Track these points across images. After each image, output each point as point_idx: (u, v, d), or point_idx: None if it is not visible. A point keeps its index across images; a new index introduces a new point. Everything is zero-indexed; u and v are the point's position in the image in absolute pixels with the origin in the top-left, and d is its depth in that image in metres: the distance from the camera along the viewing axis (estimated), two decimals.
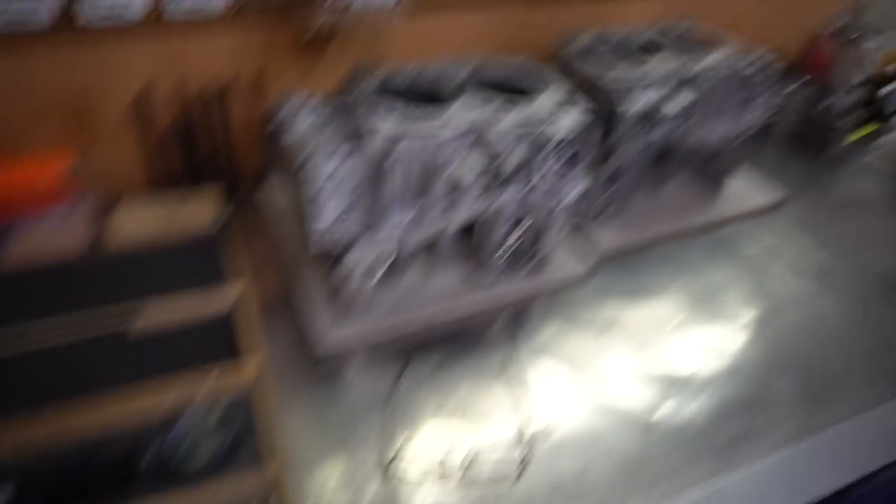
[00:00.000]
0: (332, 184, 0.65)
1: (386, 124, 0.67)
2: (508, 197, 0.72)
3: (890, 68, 1.24)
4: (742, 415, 0.68)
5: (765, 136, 1.20)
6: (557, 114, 0.73)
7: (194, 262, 0.75)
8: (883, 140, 1.17)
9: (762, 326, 0.80)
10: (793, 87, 1.21)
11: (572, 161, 0.74)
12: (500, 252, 0.79)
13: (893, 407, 0.70)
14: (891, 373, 0.74)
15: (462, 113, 0.71)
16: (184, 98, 0.88)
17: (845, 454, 0.65)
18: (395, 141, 0.66)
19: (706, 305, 0.82)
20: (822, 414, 0.68)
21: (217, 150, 0.92)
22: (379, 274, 0.71)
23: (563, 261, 0.85)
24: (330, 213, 0.65)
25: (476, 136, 0.70)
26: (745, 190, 1.01)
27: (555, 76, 0.82)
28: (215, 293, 0.71)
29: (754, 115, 0.93)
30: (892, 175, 1.14)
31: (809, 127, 1.17)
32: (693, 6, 1.20)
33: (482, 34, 1.05)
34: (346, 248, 0.69)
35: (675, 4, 1.17)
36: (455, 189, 0.70)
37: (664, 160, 0.98)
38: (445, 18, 1.00)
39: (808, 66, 1.34)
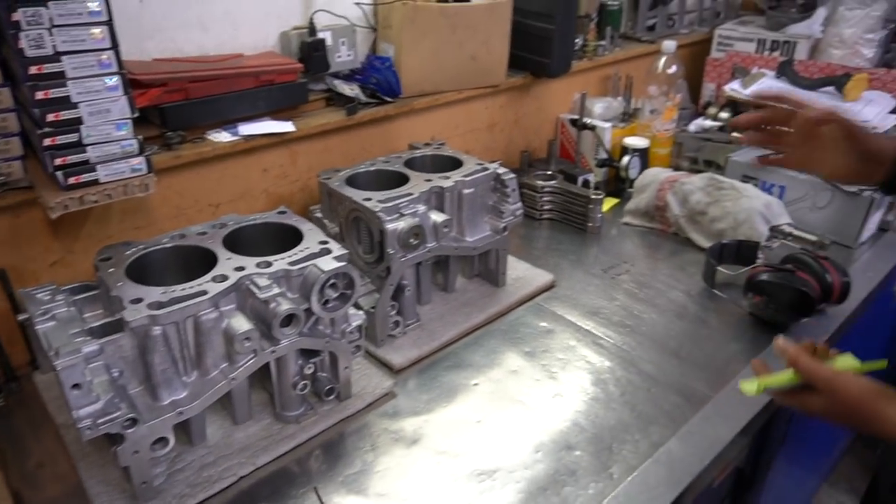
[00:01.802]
0: (91, 369, 0.62)
1: (144, 300, 0.67)
2: (289, 341, 0.74)
3: (623, 144, 1.47)
4: (550, 491, 0.72)
5: (531, 224, 1.34)
6: (321, 255, 0.77)
7: None
8: (629, 205, 1.37)
9: (555, 404, 0.87)
10: (549, 172, 1.38)
11: (346, 294, 0.78)
12: (296, 391, 0.79)
13: (667, 450, 0.79)
14: (663, 421, 0.84)
15: (226, 270, 0.72)
16: None
17: (643, 497, 0.72)
18: (153, 317, 0.65)
19: (502, 395, 0.88)
20: (615, 466, 0.75)
21: None
22: (169, 447, 0.68)
23: (364, 385, 0.87)
24: (92, 398, 0.62)
25: (243, 291, 0.72)
26: (521, 279, 1.12)
27: (314, 221, 0.87)
28: None
29: (509, 212, 1.05)
30: (642, 231, 1.32)
31: (568, 206, 1.33)
32: (450, 129, 1.34)
33: (252, 182, 1.09)
34: (126, 426, 0.66)
35: (433, 126, 1.30)
36: (231, 345, 0.70)
37: (441, 268, 1.06)
38: (209, 171, 1.03)
39: (559, 154, 1.55)
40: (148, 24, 0.99)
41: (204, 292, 0.69)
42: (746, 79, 1.59)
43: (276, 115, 1.09)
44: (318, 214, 1.03)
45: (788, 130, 0.88)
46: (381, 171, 1.04)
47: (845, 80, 1.48)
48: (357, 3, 1.21)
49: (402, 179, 1.00)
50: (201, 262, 0.76)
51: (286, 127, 1.06)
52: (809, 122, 0.84)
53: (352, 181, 0.99)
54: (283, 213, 0.88)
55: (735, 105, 1.57)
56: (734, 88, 1.56)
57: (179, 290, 0.69)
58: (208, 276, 0.72)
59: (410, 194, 0.93)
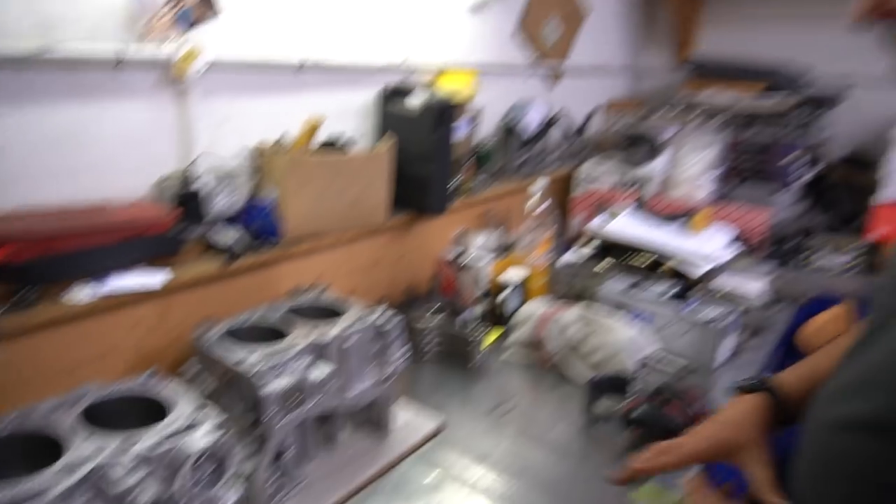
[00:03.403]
0: None
1: None
2: None
3: (501, 279, 1.53)
4: None
5: (417, 363, 1.34)
6: (191, 428, 0.72)
7: None
8: (510, 339, 1.41)
9: None
10: (432, 309, 1.41)
11: (219, 469, 0.72)
12: None
13: None
14: None
15: (77, 457, 0.65)
16: None
17: None
18: None
19: None
20: None
21: None
22: None
23: None
24: None
25: (98, 480, 0.65)
26: (408, 425, 1.10)
27: (183, 387, 0.82)
28: None
29: (394, 359, 1.05)
30: (524, 365, 1.36)
31: (452, 343, 1.35)
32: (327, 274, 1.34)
33: (118, 339, 1.02)
34: None
35: (316, 268, 1.30)
36: None
37: (324, 423, 1.02)
38: (67, 332, 0.95)
39: (441, 290, 1.59)
40: (7, 172, 0.94)
41: (43, 491, 0.61)
42: (608, 214, 1.75)
43: (148, 266, 1.04)
44: (193, 373, 0.97)
45: None
46: (262, 322, 1.01)
47: (692, 215, 1.66)
48: (238, 152, 1.23)
49: (282, 332, 0.97)
50: (49, 447, 0.68)
51: (158, 279, 1.02)
52: None
53: (229, 335, 0.96)
54: (151, 376, 0.82)
55: (600, 239, 1.70)
56: (598, 224, 1.70)
57: (10, 492, 0.61)
58: (56, 467, 0.64)
59: (290, 350, 0.91)
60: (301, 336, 0.95)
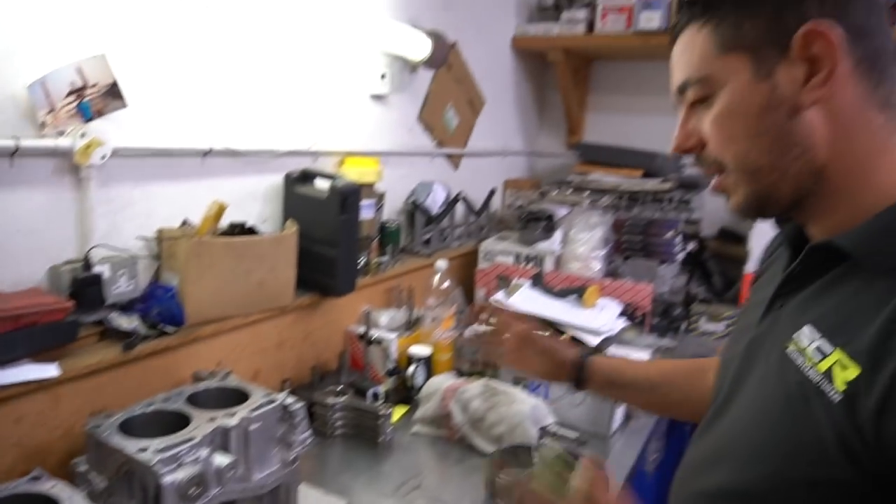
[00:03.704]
0: None
1: None
2: None
3: (408, 354, 1.57)
4: None
5: (323, 442, 1.35)
6: None
7: None
8: (417, 413, 1.44)
9: None
10: (339, 387, 1.42)
11: None
12: None
13: None
14: None
15: None
16: None
17: None
18: None
19: None
20: None
21: None
22: None
23: None
24: None
25: None
26: None
27: (78, 477, 0.79)
28: None
29: (298, 441, 1.05)
30: (432, 439, 1.39)
31: (360, 420, 1.37)
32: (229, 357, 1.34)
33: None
34: None
35: (219, 351, 1.29)
36: None
37: None
38: None
39: (349, 367, 1.61)
40: None
41: None
42: (508, 289, 1.85)
43: (39, 356, 1.01)
44: (83, 468, 0.93)
45: (506, 337, 1.14)
46: (160, 411, 0.99)
47: (583, 290, 1.79)
48: (141, 236, 1.23)
49: (183, 420, 0.96)
50: None
51: (48, 372, 0.98)
52: (518, 333, 1.12)
53: (126, 427, 0.93)
54: (36, 478, 0.79)
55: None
56: (498, 299, 1.79)
57: None
58: None
59: (192, 438, 0.90)
60: (203, 423, 0.95)
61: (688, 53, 0.66)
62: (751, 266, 2.21)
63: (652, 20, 2.27)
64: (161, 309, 1.19)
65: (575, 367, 1.08)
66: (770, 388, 0.63)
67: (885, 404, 0.50)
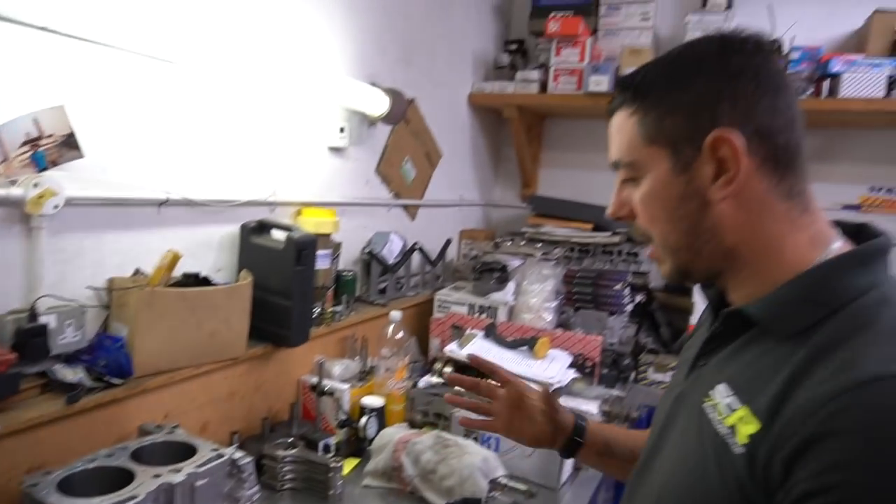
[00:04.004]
0: None
1: None
2: None
3: (361, 404, 1.57)
4: None
5: (272, 497, 1.32)
6: None
7: None
8: (369, 465, 1.43)
9: None
10: (290, 439, 1.41)
11: None
12: None
13: None
14: None
15: None
16: None
17: None
18: None
19: None
20: None
21: None
22: None
23: None
24: None
25: None
26: None
27: None
28: None
29: (247, 496, 1.04)
30: (384, 491, 1.38)
31: (311, 472, 1.35)
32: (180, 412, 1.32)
33: None
34: None
35: (167, 403, 1.27)
36: None
37: None
38: None
39: (301, 417, 1.59)
40: None
41: None
42: (462, 339, 1.87)
43: None
44: None
45: (492, 401, 1.06)
46: (103, 467, 0.97)
47: (534, 342, 1.83)
48: (89, 287, 1.21)
49: (126, 476, 0.94)
50: None
51: None
52: (518, 394, 1.04)
53: (65, 485, 0.91)
54: None
55: (456, 363, 1.81)
56: (452, 350, 1.81)
57: None
58: None
59: (135, 497, 0.88)
60: (147, 479, 0.93)
61: (620, 135, 0.73)
62: (695, 318, 2.30)
63: (600, 84, 2.39)
64: (108, 360, 1.17)
65: (570, 434, 1.02)
66: (689, 441, 0.68)
67: (772, 456, 0.56)
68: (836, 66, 2.21)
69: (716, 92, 0.65)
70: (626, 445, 1.01)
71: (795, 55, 2.33)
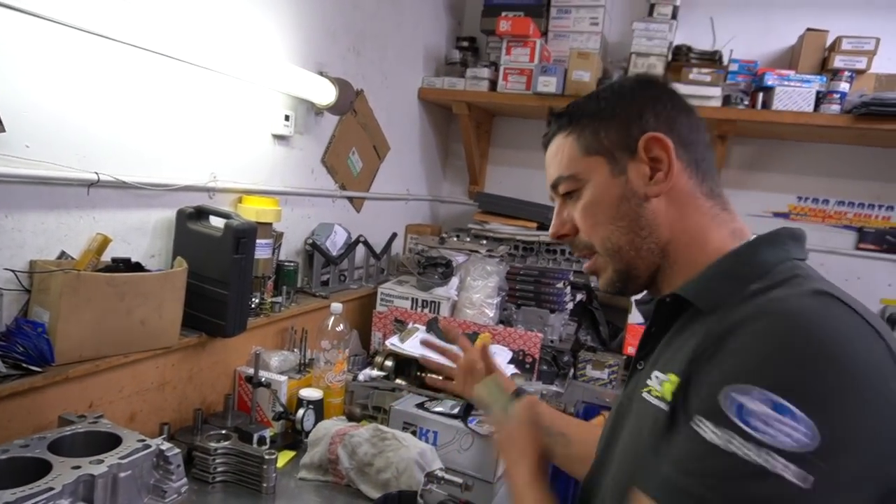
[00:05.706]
0: None
1: None
2: None
3: (299, 395, 1.54)
4: None
5: (203, 490, 1.29)
6: None
7: None
8: (305, 458, 1.41)
9: None
10: (223, 431, 1.37)
11: None
12: None
13: None
14: None
15: None
16: None
17: None
18: None
19: None
20: None
21: None
22: None
23: None
24: None
25: None
26: None
27: None
28: None
29: (175, 487, 1.01)
30: (319, 484, 1.37)
31: (245, 465, 1.32)
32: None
33: None
34: None
35: (92, 393, 1.22)
36: None
37: None
38: None
39: (236, 409, 1.56)
40: None
41: None
42: (403, 333, 1.87)
43: None
44: None
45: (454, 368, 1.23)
46: (17, 458, 0.92)
47: (475, 337, 1.84)
48: (8, 269, 1.15)
49: (43, 467, 0.90)
50: None
51: None
52: (473, 360, 1.20)
53: None
54: None
55: (396, 356, 1.80)
56: (394, 343, 1.80)
57: None
58: None
59: (51, 489, 0.84)
60: (65, 471, 0.89)
61: (558, 156, 0.80)
62: (633, 318, 2.36)
63: (548, 85, 2.43)
64: (27, 346, 1.12)
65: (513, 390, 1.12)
66: (637, 432, 0.72)
67: (686, 396, 0.62)
68: (769, 80, 2.31)
69: (639, 109, 0.76)
70: (550, 421, 1.07)
71: (734, 67, 2.42)
